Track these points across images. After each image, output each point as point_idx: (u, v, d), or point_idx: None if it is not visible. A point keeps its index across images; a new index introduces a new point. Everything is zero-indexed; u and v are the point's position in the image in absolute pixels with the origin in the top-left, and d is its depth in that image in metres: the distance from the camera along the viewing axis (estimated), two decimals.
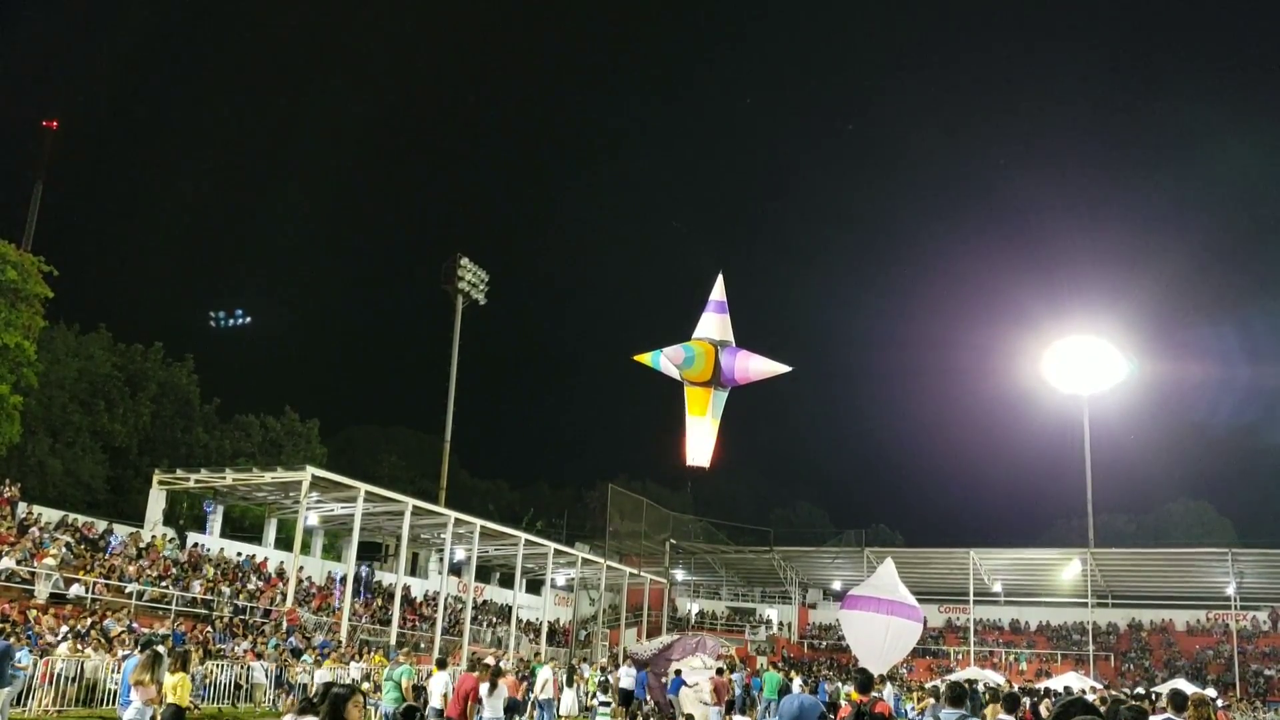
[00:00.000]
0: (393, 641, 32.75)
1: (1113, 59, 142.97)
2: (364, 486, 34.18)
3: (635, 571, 49.70)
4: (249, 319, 58.69)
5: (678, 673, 25.02)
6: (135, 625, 24.76)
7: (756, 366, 9.64)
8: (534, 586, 52.18)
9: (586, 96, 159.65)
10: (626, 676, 28.01)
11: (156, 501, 34.67)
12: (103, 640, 22.44)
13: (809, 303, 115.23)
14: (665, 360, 9.80)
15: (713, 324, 9.74)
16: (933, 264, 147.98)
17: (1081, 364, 56.72)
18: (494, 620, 46.05)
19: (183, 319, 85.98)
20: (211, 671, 23.24)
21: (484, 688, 18.70)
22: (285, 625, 29.50)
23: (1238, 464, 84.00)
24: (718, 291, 9.84)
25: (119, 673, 20.09)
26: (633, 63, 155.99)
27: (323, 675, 23.63)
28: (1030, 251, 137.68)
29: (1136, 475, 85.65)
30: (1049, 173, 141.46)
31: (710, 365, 9.51)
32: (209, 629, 27.25)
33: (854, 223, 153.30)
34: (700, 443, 9.77)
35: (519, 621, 44.76)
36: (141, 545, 31.13)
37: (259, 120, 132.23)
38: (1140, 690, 34.12)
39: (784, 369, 9.67)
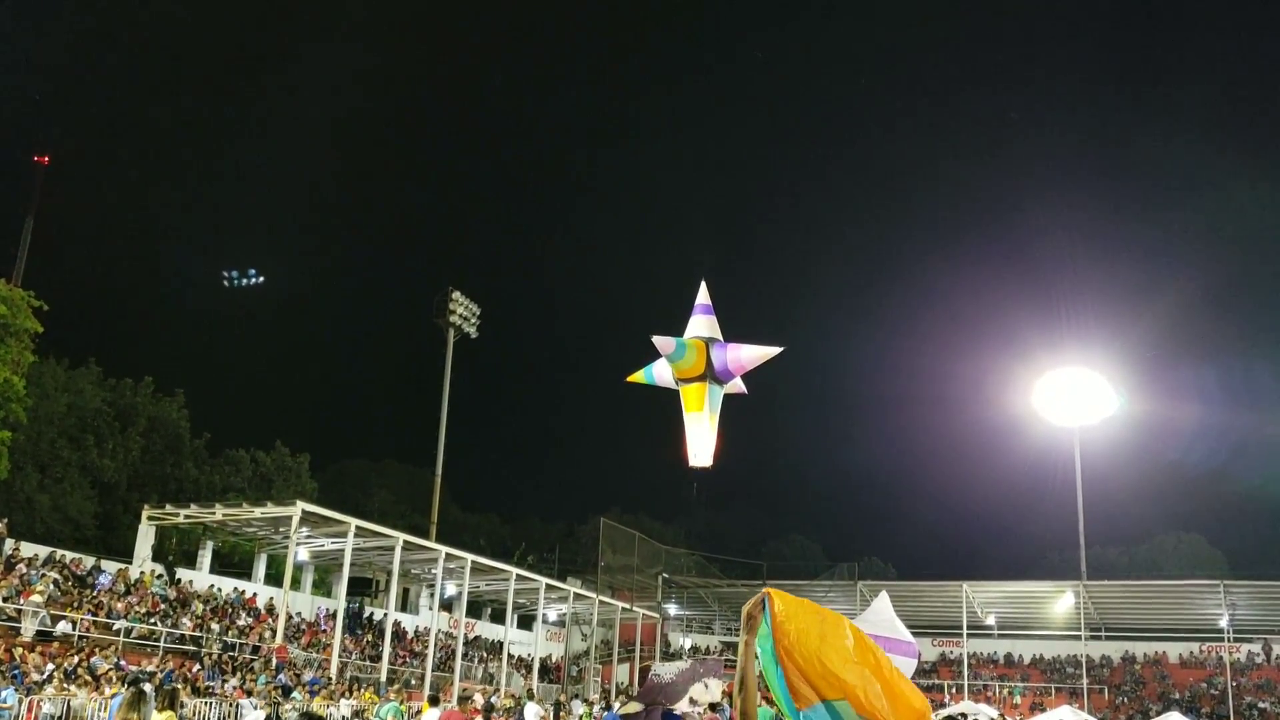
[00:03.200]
0: (383, 678, 32.51)
1: (1119, 94, 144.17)
2: (354, 521, 34.03)
3: (628, 606, 49.45)
4: (262, 278, 57.87)
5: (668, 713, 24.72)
6: (123, 663, 24.57)
7: (748, 355, 9.76)
8: (525, 622, 51.87)
9: (578, 126, 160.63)
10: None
11: (145, 537, 34.44)
12: (90, 678, 22.25)
13: (802, 331, 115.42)
14: (657, 369, 9.90)
15: (701, 324, 9.88)
16: (926, 293, 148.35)
17: (1072, 396, 56.91)
18: (485, 656, 45.75)
19: (173, 353, 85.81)
20: (199, 709, 23.03)
21: None
22: (275, 662, 29.27)
23: (1228, 499, 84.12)
24: (702, 295, 10.02)
25: (106, 711, 19.94)
26: (626, 92, 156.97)
27: (314, 710, 23.44)
28: (1024, 282, 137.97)
29: (1128, 508, 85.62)
30: (1048, 204, 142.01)
31: (701, 359, 9.61)
32: (198, 666, 27.02)
33: (848, 251, 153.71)
34: (701, 441, 9.82)
35: (510, 657, 44.45)
36: (130, 581, 30.91)
37: (250, 155, 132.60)
38: None
39: (775, 351, 9.77)
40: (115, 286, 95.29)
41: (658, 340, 9.63)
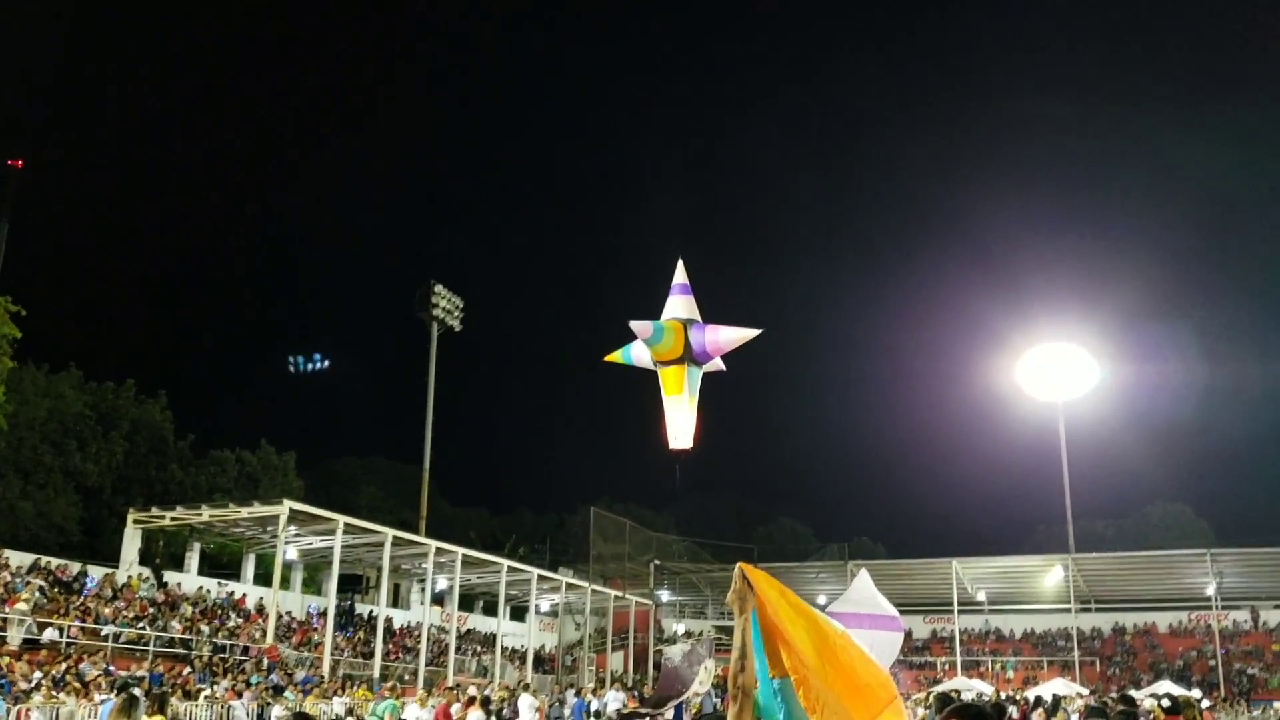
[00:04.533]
0: (376, 674, 32.41)
1: (1082, 63, 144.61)
2: (343, 519, 33.88)
3: (620, 594, 49.44)
4: (327, 362, 56.89)
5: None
6: (112, 668, 24.39)
7: (726, 336, 9.71)
8: (518, 613, 51.80)
9: (557, 116, 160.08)
10: (614, 700, 27.85)
11: (132, 541, 34.20)
12: (79, 685, 22.04)
13: (790, 312, 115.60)
14: (635, 350, 9.84)
15: (679, 305, 9.81)
16: (912, 273, 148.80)
17: (1056, 371, 57.05)
18: (478, 649, 45.67)
19: (154, 354, 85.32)
20: (191, 712, 22.87)
21: (473, 716, 18.53)
22: (266, 662, 29.12)
23: (1214, 465, 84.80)
24: (679, 275, 9.96)
25: (96, 718, 19.78)
26: (611, 83, 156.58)
27: (307, 709, 23.31)
28: (1008, 258, 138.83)
29: (1114, 480, 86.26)
30: (1022, 181, 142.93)
31: (680, 341, 9.54)
32: (188, 669, 26.84)
33: (834, 233, 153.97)
34: (680, 423, 9.76)
35: (504, 649, 44.39)
36: (117, 586, 30.69)
37: (225, 152, 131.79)
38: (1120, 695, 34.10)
39: (754, 333, 9.72)
40: (95, 290, 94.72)
41: (635, 325, 9.55)
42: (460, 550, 39.82)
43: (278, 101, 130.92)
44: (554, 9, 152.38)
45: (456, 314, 54.42)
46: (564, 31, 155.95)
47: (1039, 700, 30.93)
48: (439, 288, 53.44)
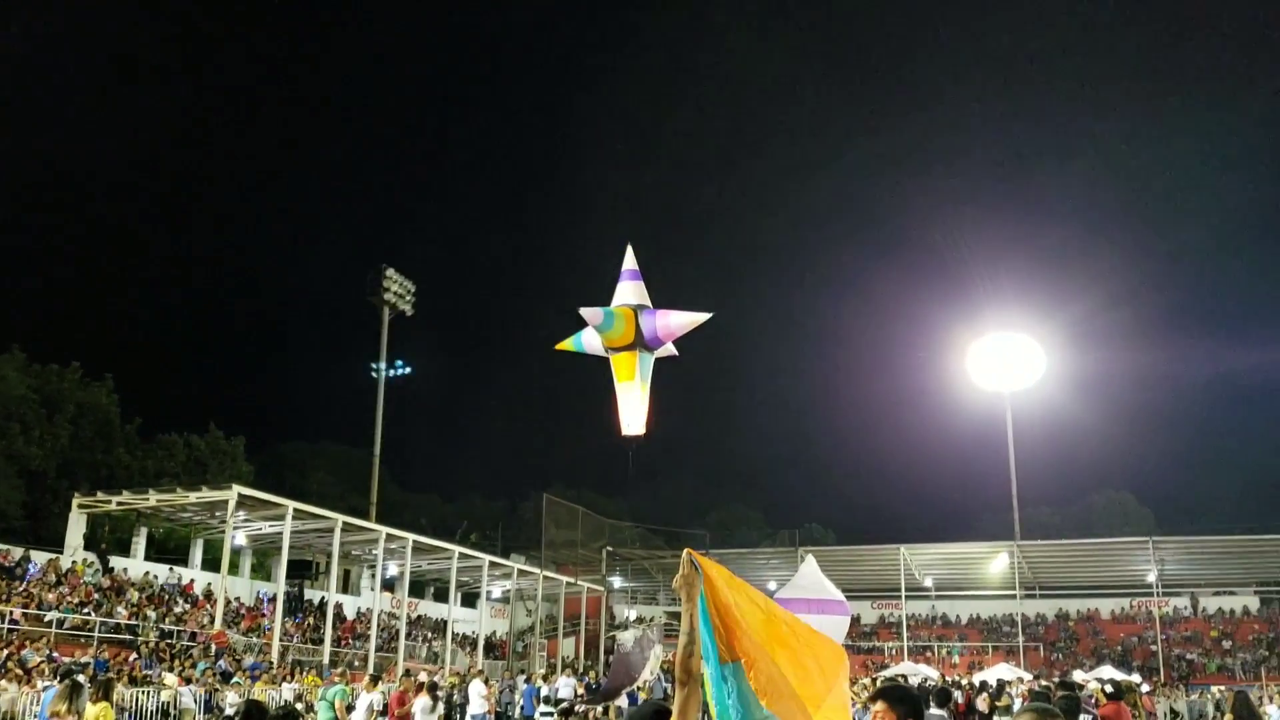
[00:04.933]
0: (325, 660, 32.24)
1: (1027, 52, 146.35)
2: (292, 504, 33.59)
3: (572, 580, 49.50)
4: (410, 369, 55.65)
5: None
6: (55, 655, 24.05)
7: (677, 321, 9.76)
8: (470, 600, 51.73)
9: (509, 101, 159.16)
10: (565, 686, 27.93)
11: (76, 526, 33.69)
12: (21, 671, 21.73)
13: (740, 300, 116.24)
14: (586, 337, 9.87)
15: (629, 291, 9.83)
16: (863, 262, 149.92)
17: (1003, 361, 57.88)
18: (429, 636, 45.56)
19: (100, 336, 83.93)
20: (138, 699, 22.64)
21: (420, 702, 18.54)
22: (213, 648, 28.85)
23: (1156, 454, 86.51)
24: (629, 261, 9.99)
25: (38, 705, 19.51)
26: (563, 70, 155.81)
27: (255, 696, 23.16)
28: (958, 250, 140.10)
29: (1060, 468, 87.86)
30: (967, 172, 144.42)
31: (631, 327, 9.57)
32: (134, 655, 26.55)
33: (785, 220, 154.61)
34: (633, 410, 9.80)
35: (455, 636, 44.32)
36: (61, 571, 30.25)
37: (171, 126, 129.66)
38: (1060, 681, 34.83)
39: (704, 317, 9.79)
40: (39, 272, 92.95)
41: (585, 312, 9.57)
42: (411, 536, 39.66)
43: (223, 87, 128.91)
44: None
45: (409, 298, 54.05)
46: (514, 10, 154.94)
47: (984, 685, 31.54)
48: (390, 271, 53.03)
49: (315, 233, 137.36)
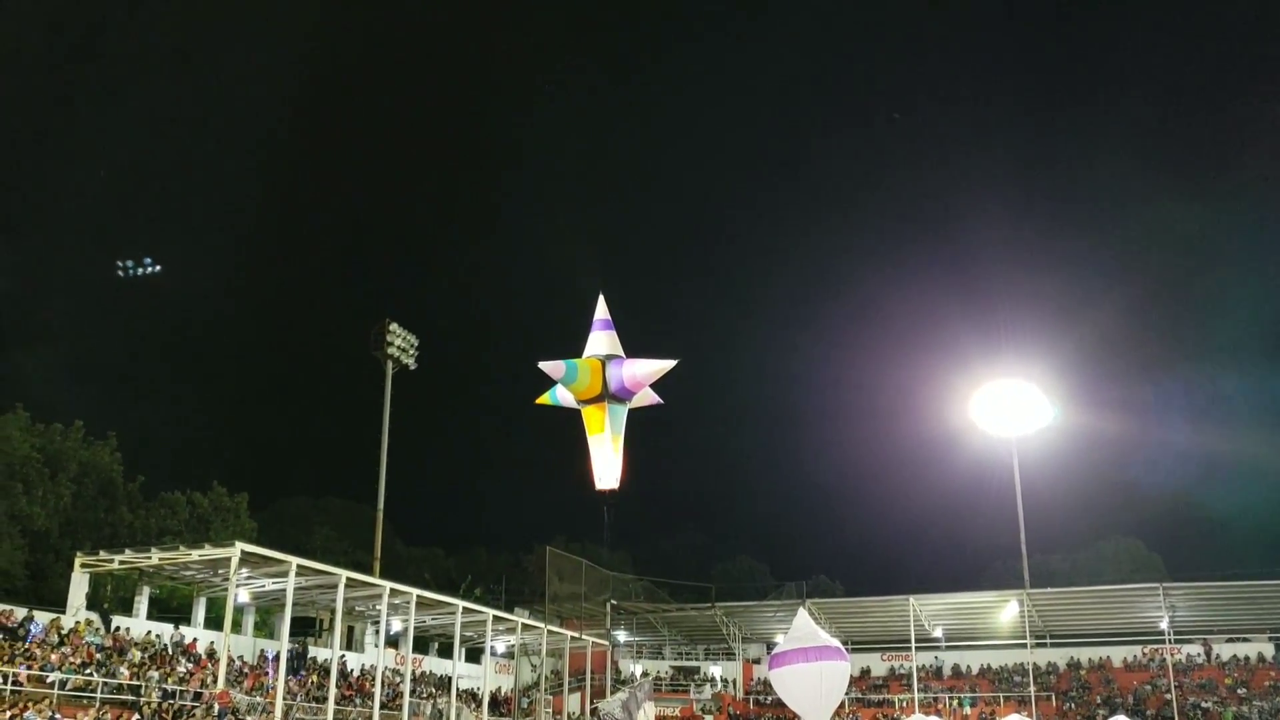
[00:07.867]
0: (329, 719, 31.89)
1: (1054, 111, 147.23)
2: (295, 560, 33.41)
3: (576, 635, 49.11)
4: (159, 267, 55.48)
5: None
6: (58, 716, 23.84)
7: (643, 370, 9.70)
8: (474, 655, 51.27)
9: (508, 154, 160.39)
10: None
11: (79, 585, 33.45)
12: None
13: (743, 348, 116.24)
14: (560, 391, 9.82)
15: (601, 341, 9.79)
16: (866, 307, 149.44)
17: (1009, 407, 57.68)
18: (433, 692, 45.09)
19: (103, 396, 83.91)
20: None
21: None
22: (217, 708, 28.57)
23: (1164, 505, 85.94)
24: (601, 310, 9.95)
25: None
26: (557, 108, 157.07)
27: None
28: (962, 296, 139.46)
29: (1068, 516, 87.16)
30: (986, 219, 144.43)
31: (597, 379, 9.53)
32: (136, 716, 26.28)
33: (788, 266, 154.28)
34: (605, 463, 9.72)
35: (459, 692, 43.87)
36: (63, 632, 30.03)
37: (169, 182, 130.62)
38: None
39: (670, 364, 9.72)
40: (41, 329, 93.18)
41: (545, 366, 9.47)
42: (415, 591, 39.40)
43: (236, 132, 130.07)
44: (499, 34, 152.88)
45: (412, 352, 54.20)
46: (508, 61, 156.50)
47: None
48: (394, 326, 53.24)
49: (318, 287, 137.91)
